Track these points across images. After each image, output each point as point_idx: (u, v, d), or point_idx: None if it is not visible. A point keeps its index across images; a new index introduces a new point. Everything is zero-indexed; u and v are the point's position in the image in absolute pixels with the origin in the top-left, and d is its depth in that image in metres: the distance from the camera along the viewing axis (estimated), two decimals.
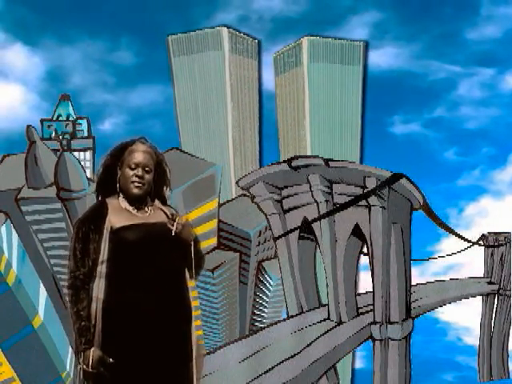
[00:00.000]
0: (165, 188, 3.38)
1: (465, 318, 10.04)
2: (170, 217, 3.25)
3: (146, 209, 3.31)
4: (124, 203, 3.30)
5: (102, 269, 3.17)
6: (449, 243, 9.78)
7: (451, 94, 10.07)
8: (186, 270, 3.29)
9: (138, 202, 3.29)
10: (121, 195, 3.29)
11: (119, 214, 3.25)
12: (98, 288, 3.15)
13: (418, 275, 9.73)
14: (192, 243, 3.28)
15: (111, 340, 3.12)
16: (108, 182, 3.30)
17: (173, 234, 3.20)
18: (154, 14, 10.20)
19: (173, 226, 3.22)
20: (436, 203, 9.77)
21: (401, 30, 10.10)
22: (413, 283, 9.47)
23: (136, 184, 3.23)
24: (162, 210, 3.28)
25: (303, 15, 10.20)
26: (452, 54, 9.98)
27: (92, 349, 3.11)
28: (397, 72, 10.05)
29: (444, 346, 9.78)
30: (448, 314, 9.81)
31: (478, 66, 10.09)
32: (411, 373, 9.19)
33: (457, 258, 9.99)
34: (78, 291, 3.16)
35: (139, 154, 3.26)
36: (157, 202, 3.33)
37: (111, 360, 3.08)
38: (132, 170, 3.24)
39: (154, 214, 3.30)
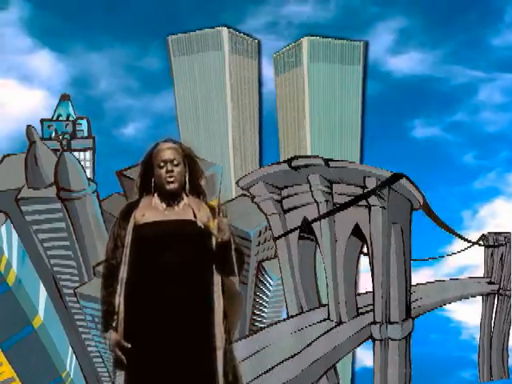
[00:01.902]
0: (199, 178, 3.47)
1: (475, 317, 10.17)
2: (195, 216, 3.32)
3: (176, 206, 3.41)
4: (155, 200, 3.41)
5: (124, 263, 3.29)
6: (461, 244, 9.86)
7: (472, 98, 10.13)
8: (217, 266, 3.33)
9: (171, 199, 3.38)
10: (156, 193, 3.39)
11: (146, 211, 3.39)
12: (122, 280, 3.28)
13: (431, 276, 9.83)
14: (220, 239, 3.32)
15: (131, 331, 3.22)
16: (146, 186, 3.43)
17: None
18: (184, 20, 10.24)
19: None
20: (451, 206, 9.84)
21: (426, 36, 10.17)
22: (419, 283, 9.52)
23: (168, 179, 3.35)
24: (192, 208, 3.35)
25: (331, 21, 10.24)
26: (475, 60, 10.05)
27: (110, 332, 3.24)
28: (420, 77, 10.11)
29: (459, 345, 9.89)
30: (460, 313, 9.90)
31: (499, 71, 10.16)
32: (411, 372, 9.21)
33: (471, 259, 10.09)
34: (105, 278, 3.37)
35: (164, 152, 3.40)
36: (190, 199, 3.40)
37: (129, 345, 3.19)
38: (162, 168, 3.36)
39: (182, 212, 3.39)
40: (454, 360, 9.71)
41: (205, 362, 3.25)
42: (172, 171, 3.37)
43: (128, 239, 3.32)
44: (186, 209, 3.39)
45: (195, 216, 3.34)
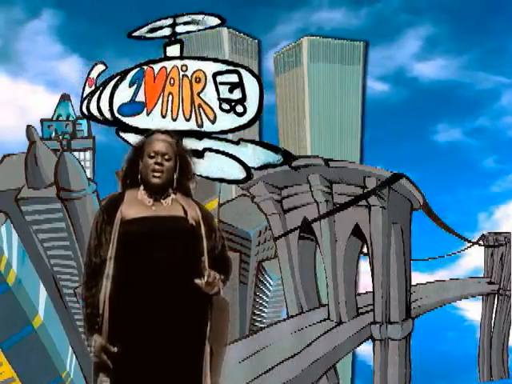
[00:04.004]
0: (188, 180, 3.37)
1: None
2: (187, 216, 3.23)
3: (163, 201, 3.31)
4: (141, 194, 3.31)
5: (110, 260, 3.19)
6: (473, 246, 9.91)
7: (495, 103, 10.20)
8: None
9: (157, 193, 3.29)
10: (142, 187, 3.29)
11: (133, 206, 3.27)
12: (107, 278, 3.18)
13: (445, 277, 9.85)
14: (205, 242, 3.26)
15: (116, 331, 3.14)
16: (131, 174, 3.31)
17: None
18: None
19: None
20: (469, 208, 9.91)
21: (453, 43, 10.23)
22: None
23: (155, 174, 3.25)
24: (181, 205, 3.26)
25: (361, 28, 10.28)
26: (499, 66, 10.12)
27: (95, 336, 3.13)
28: (444, 82, 10.16)
29: (475, 343, 9.97)
30: (473, 312, 9.99)
31: None
32: (411, 372, 9.20)
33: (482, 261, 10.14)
34: (87, 279, 3.24)
35: (158, 143, 3.30)
36: (178, 196, 3.31)
37: (115, 349, 3.09)
38: (151, 158, 3.28)
39: (170, 207, 3.30)
40: (472, 358, 9.80)
41: (193, 363, 3.19)
42: (161, 165, 3.26)
43: (115, 235, 3.20)
44: (175, 204, 3.30)
45: (185, 212, 3.27)
